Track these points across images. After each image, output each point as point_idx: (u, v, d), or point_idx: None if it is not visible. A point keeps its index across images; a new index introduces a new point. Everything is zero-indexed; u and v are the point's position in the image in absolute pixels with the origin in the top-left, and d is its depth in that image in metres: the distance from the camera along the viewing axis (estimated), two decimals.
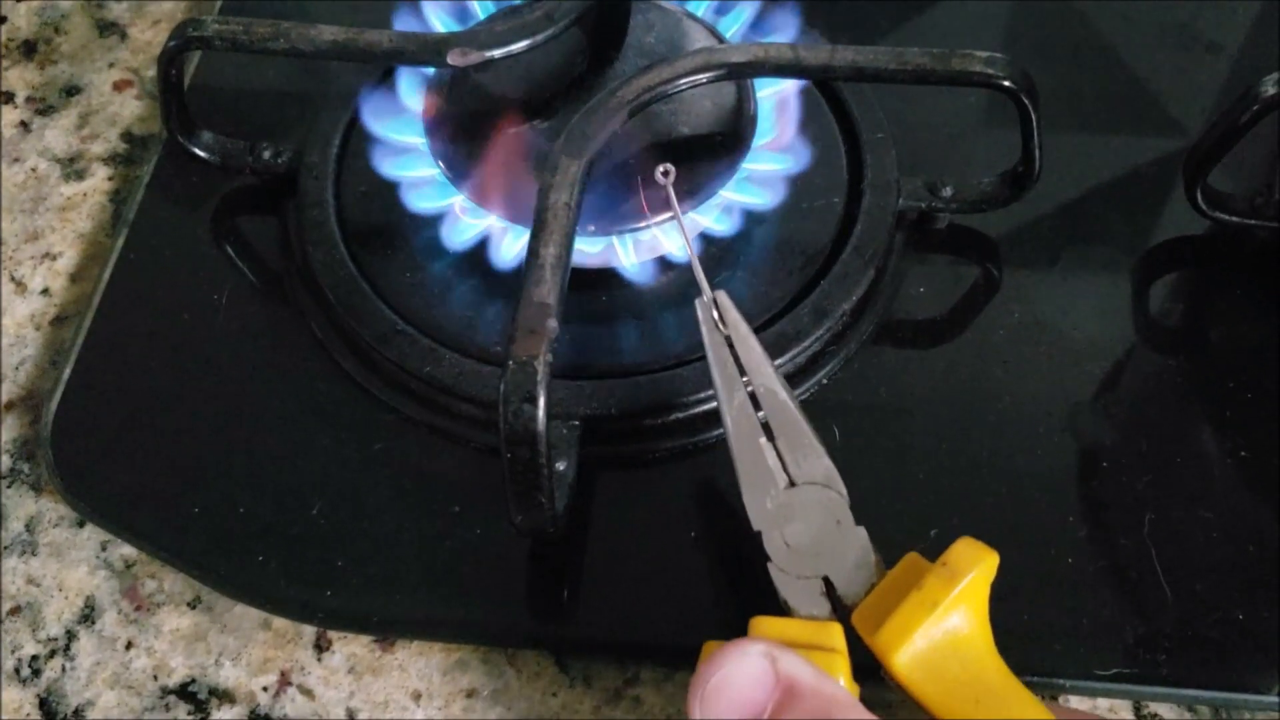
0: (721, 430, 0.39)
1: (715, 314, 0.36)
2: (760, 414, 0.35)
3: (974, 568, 0.32)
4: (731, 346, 0.36)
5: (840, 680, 0.31)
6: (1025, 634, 0.36)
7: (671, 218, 0.39)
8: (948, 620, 0.31)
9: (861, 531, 0.34)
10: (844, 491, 0.34)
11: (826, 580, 0.33)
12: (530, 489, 0.34)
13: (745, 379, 0.35)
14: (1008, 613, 0.33)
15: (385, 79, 0.45)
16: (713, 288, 0.37)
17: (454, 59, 0.40)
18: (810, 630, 0.32)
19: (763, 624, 0.32)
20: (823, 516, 0.34)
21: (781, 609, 0.34)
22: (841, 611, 0.33)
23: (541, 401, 0.33)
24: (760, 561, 0.34)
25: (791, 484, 0.34)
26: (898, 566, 0.33)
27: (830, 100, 0.46)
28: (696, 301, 0.36)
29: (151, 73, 0.52)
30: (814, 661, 0.30)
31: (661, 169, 0.38)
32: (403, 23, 0.44)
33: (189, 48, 0.42)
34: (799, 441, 0.35)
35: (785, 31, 0.45)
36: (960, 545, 0.32)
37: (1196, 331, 0.43)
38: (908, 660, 0.31)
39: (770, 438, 0.35)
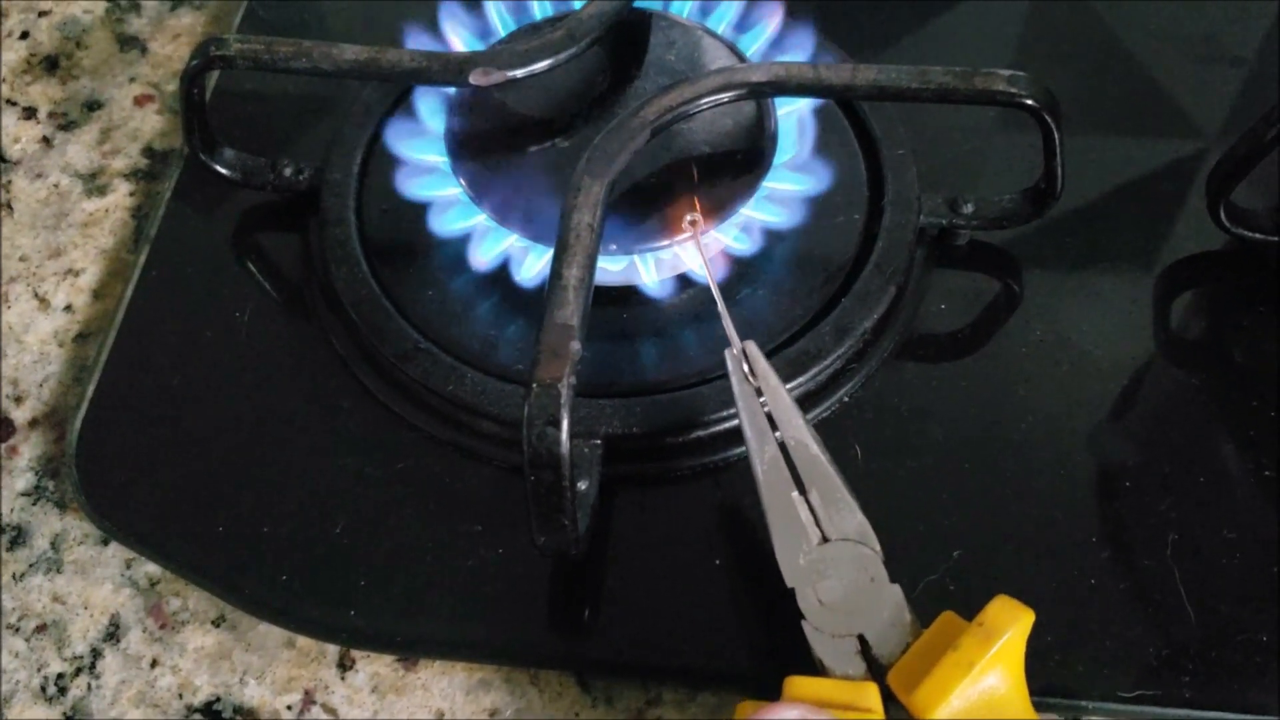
0: (742, 449, 0.40)
1: (745, 366, 0.36)
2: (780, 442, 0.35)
3: (1010, 627, 0.31)
4: (761, 398, 0.35)
5: None
6: (1048, 655, 0.36)
7: (691, 237, 0.39)
8: (984, 681, 0.31)
9: (896, 589, 0.34)
10: (878, 548, 0.34)
11: (861, 639, 0.33)
12: (553, 511, 0.34)
13: (776, 432, 0.35)
14: (1030, 634, 0.33)
15: (406, 97, 0.45)
16: (733, 306, 0.37)
17: (476, 79, 0.40)
18: (845, 690, 0.32)
19: (797, 684, 0.32)
20: (856, 573, 0.34)
21: (816, 667, 0.34)
22: (876, 670, 0.33)
23: (565, 424, 0.33)
24: (781, 581, 0.35)
25: (825, 540, 0.34)
26: (933, 625, 0.33)
27: (851, 117, 0.46)
28: (726, 353, 0.36)
29: (172, 87, 0.52)
30: None
31: (689, 219, 0.39)
32: (415, 41, 0.44)
33: (212, 67, 0.42)
34: (832, 496, 0.34)
35: (804, 48, 0.45)
36: (996, 604, 0.32)
37: (1219, 349, 0.43)
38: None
39: (802, 491, 0.35)
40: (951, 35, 0.51)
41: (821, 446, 0.35)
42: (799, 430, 0.35)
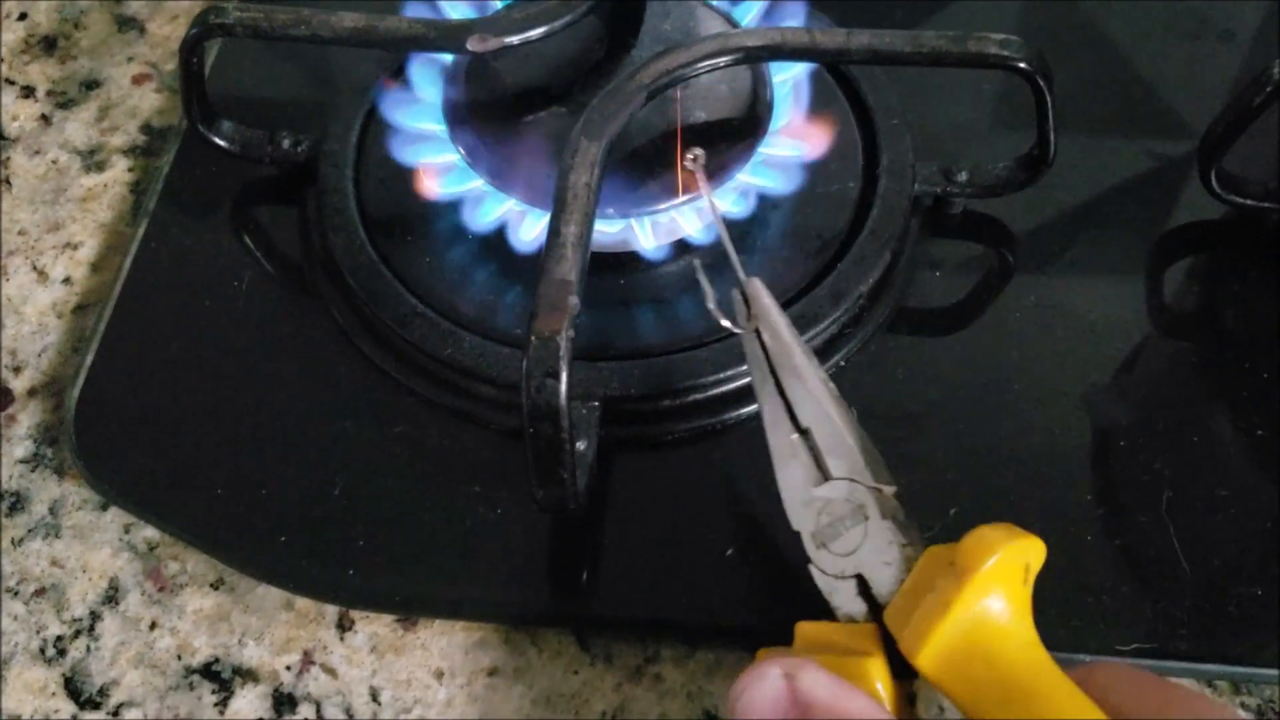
0: (739, 412, 0.40)
1: (758, 301, 0.35)
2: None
3: (985, 560, 0.30)
4: (766, 337, 0.35)
5: (879, 684, 0.31)
6: (1046, 610, 0.35)
7: (693, 199, 0.40)
8: (971, 617, 0.30)
9: (887, 525, 0.33)
10: (871, 484, 0.33)
11: (860, 578, 0.33)
12: (552, 464, 0.35)
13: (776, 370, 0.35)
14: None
15: (403, 68, 0.45)
16: (731, 271, 0.37)
17: (474, 45, 0.41)
18: (847, 634, 0.32)
19: (804, 629, 0.32)
20: (852, 513, 0.34)
21: (829, 612, 0.33)
22: (877, 610, 0.33)
23: (564, 376, 0.33)
24: (777, 539, 0.35)
25: (824, 479, 0.34)
26: (919, 562, 0.32)
27: (845, 87, 0.46)
28: (733, 292, 0.35)
29: (170, 66, 0.52)
30: (848, 667, 0.30)
31: (691, 155, 0.39)
32: (415, 10, 0.45)
33: (211, 35, 0.42)
34: (828, 435, 0.34)
35: (797, 20, 0.45)
36: (969, 540, 0.31)
37: (1211, 313, 0.43)
38: (933, 661, 0.30)
39: (801, 432, 0.34)
40: (947, 25, 0.51)
41: (822, 381, 0.34)
42: (797, 369, 0.34)
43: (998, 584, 0.31)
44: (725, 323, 0.35)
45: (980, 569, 0.30)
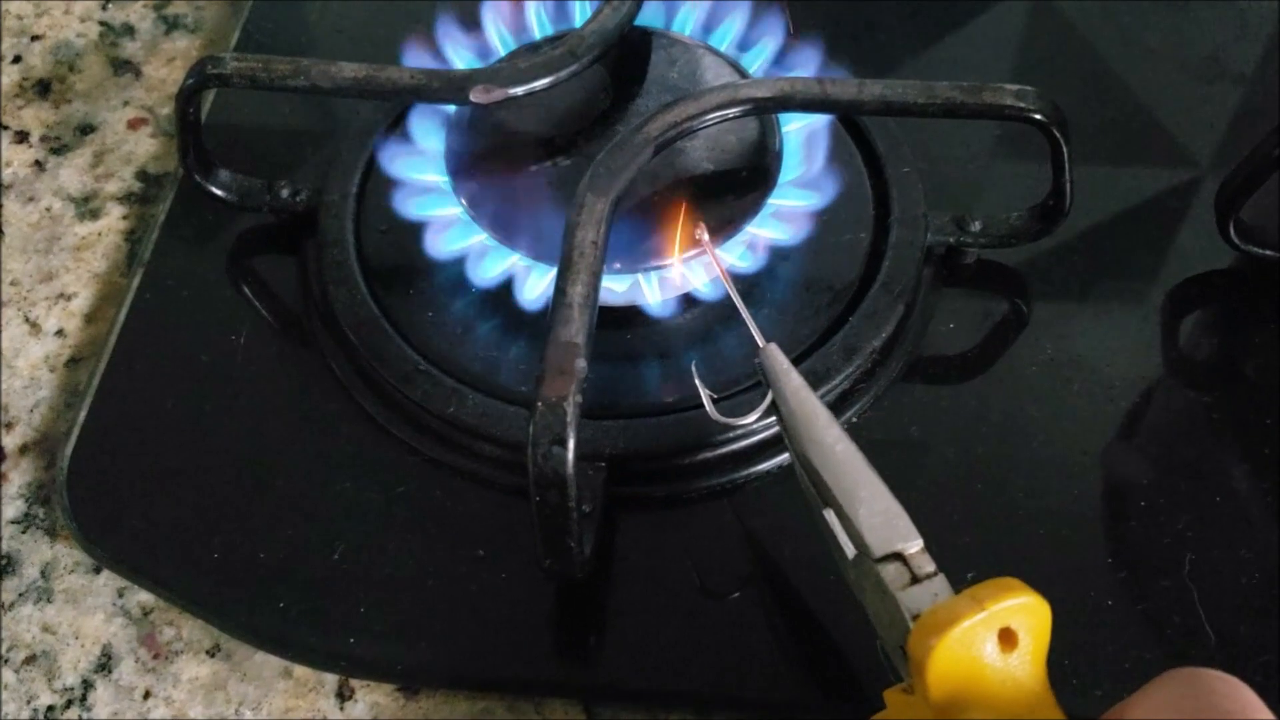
0: (750, 471, 0.39)
1: (779, 365, 0.34)
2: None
3: (928, 651, 0.29)
4: (781, 411, 0.34)
5: None
6: (1067, 678, 0.35)
7: (700, 254, 0.39)
8: (948, 702, 0.29)
9: (894, 597, 0.31)
10: (875, 554, 0.31)
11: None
12: (559, 532, 0.34)
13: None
14: (1049, 657, 0.32)
15: (402, 119, 0.45)
16: (740, 325, 0.36)
17: (477, 96, 0.40)
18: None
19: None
20: (872, 583, 0.32)
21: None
22: None
23: (571, 443, 0.32)
24: (790, 604, 0.34)
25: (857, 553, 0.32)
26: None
27: (855, 135, 0.45)
28: (755, 361, 0.35)
29: (166, 110, 0.51)
30: None
31: (697, 231, 0.38)
32: (414, 59, 0.44)
33: (208, 85, 0.41)
34: (838, 509, 0.32)
35: (807, 66, 0.44)
36: (916, 627, 0.30)
37: (1230, 366, 0.42)
38: None
39: (827, 505, 0.33)
40: (955, 66, 0.50)
41: (815, 458, 0.33)
42: (815, 440, 0.33)
43: (960, 664, 0.29)
44: (722, 418, 0.35)
45: (929, 662, 0.29)
